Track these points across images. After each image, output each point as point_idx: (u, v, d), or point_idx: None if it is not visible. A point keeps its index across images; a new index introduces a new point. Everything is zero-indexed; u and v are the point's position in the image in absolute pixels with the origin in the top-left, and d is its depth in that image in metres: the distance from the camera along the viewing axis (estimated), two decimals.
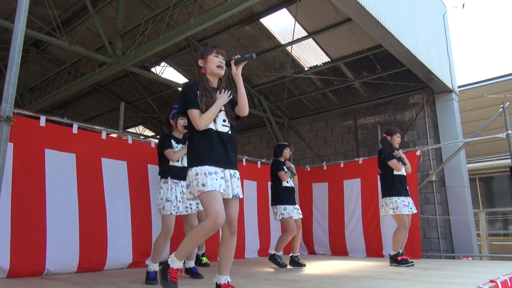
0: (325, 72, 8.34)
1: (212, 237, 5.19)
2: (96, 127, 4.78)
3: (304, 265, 4.87)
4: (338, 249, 6.89)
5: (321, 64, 8.24)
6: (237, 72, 2.57)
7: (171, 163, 3.73)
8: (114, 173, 4.72)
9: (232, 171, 2.54)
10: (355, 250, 6.67)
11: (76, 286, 3.19)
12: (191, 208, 3.69)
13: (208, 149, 2.47)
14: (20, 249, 3.70)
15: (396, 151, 4.84)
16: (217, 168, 2.45)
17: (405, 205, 4.65)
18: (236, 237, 2.53)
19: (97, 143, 4.66)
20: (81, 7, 7.58)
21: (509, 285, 3.16)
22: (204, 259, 4.98)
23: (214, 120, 2.53)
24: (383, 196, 4.83)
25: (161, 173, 3.80)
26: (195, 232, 2.39)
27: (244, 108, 2.58)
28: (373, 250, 6.42)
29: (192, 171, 2.44)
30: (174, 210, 3.55)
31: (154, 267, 3.44)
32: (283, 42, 7.97)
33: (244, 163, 6.68)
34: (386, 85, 8.15)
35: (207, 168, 2.41)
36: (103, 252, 4.38)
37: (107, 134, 4.84)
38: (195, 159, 2.47)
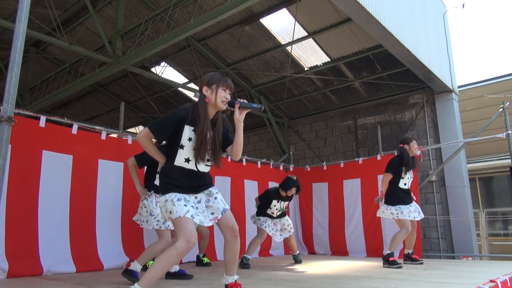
0: (325, 72, 8.34)
1: (210, 240, 5.26)
2: (96, 127, 4.78)
3: (300, 261, 5.30)
4: (338, 249, 6.89)
5: (321, 64, 8.24)
6: (240, 118, 2.45)
7: (156, 181, 3.75)
8: (109, 175, 4.70)
9: (206, 191, 2.48)
10: (356, 250, 6.66)
11: (76, 286, 3.19)
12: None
13: (181, 182, 2.40)
14: (15, 251, 3.70)
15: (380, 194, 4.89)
16: (187, 195, 2.39)
17: (411, 211, 4.68)
18: (239, 241, 2.49)
19: (95, 144, 4.64)
20: (81, 7, 7.58)
21: (509, 285, 3.16)
22: (205, 259, 4.99)
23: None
24: (386, 203, 4.81)
25: (146, 187, 3.81)
26: (168, 254, 2.23)
27: (237, 154, 2.52)
28: (374, 250, 6.42)
29: (162, 198, 2.39)
30: (157, 224, 3.59)
31: (138, 267, 3.48)
32: (283, 42, 7.97)
33: (244, 163, 6.68)
34: (386, 85, 8.15)
35: (175, 195, 2.34)
36: (93, 254, 4.36)
37: (107, 134, 4.83)
38: (166, 188, 2.40)
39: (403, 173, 4.75)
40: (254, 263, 4.97)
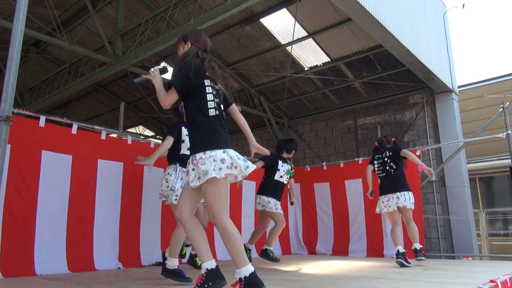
0: (325, 72, 8.34)
1: (210, 240, 5.21)
2: (96, 127, 4.77)
3: (278, 261, 4.81)
4: (341, 249, 6.88)
5: (321, 64, 8.24)
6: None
7: (181, 151, 3.53)
8: (109, 175, 4.69)
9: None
10: (357, 250, 6.66)
11: (76, 286, 3.19)
12: None
13: (222, 134, 2.35)
14: (11, 251, 3.69)
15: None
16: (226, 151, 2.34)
17: (382, 202, 4.79)
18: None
19: (95, 144, 4.63)
20: (81, 7, 7.58)
21: (509, 285, 3.15)
22: (198, 261, 4.85)
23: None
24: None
25: (169, 159, 3.61)
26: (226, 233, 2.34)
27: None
28: (374, 250, 6.42)
29: (218, 153, 2.24)
30: (176, 200, 3.34)
31: (175, 262, 3.24)
32: (283, 42, 7.97)
33: None
34: (386, 85, 8.14)
35: (227, 156, 2.30)
36: (88, 256, 4.34)
37: (107, 134, 4.82)
38: (219, 141, 2.29)
39: (375, 160, 5.09)
40: (254, 263, 4.93)
